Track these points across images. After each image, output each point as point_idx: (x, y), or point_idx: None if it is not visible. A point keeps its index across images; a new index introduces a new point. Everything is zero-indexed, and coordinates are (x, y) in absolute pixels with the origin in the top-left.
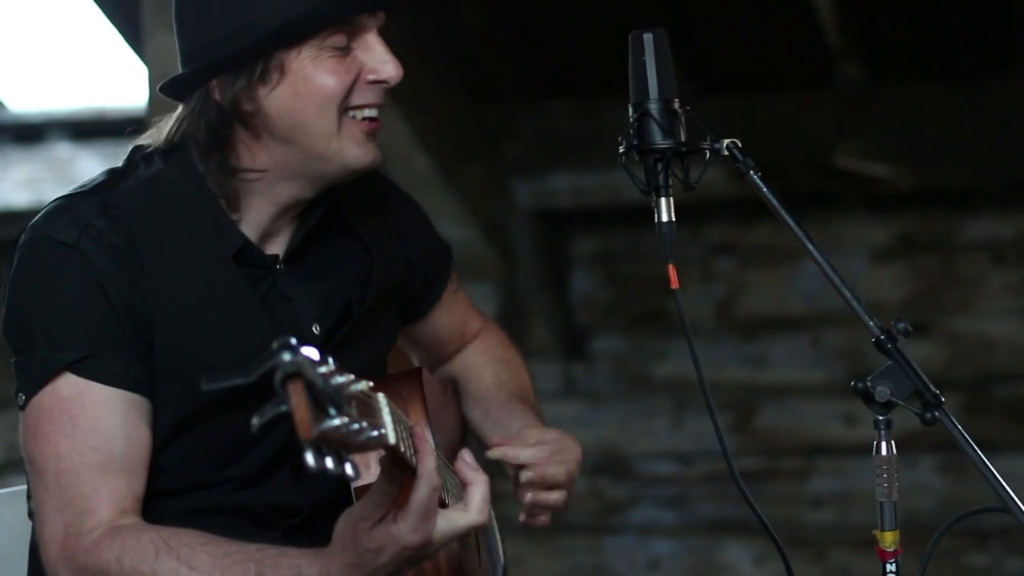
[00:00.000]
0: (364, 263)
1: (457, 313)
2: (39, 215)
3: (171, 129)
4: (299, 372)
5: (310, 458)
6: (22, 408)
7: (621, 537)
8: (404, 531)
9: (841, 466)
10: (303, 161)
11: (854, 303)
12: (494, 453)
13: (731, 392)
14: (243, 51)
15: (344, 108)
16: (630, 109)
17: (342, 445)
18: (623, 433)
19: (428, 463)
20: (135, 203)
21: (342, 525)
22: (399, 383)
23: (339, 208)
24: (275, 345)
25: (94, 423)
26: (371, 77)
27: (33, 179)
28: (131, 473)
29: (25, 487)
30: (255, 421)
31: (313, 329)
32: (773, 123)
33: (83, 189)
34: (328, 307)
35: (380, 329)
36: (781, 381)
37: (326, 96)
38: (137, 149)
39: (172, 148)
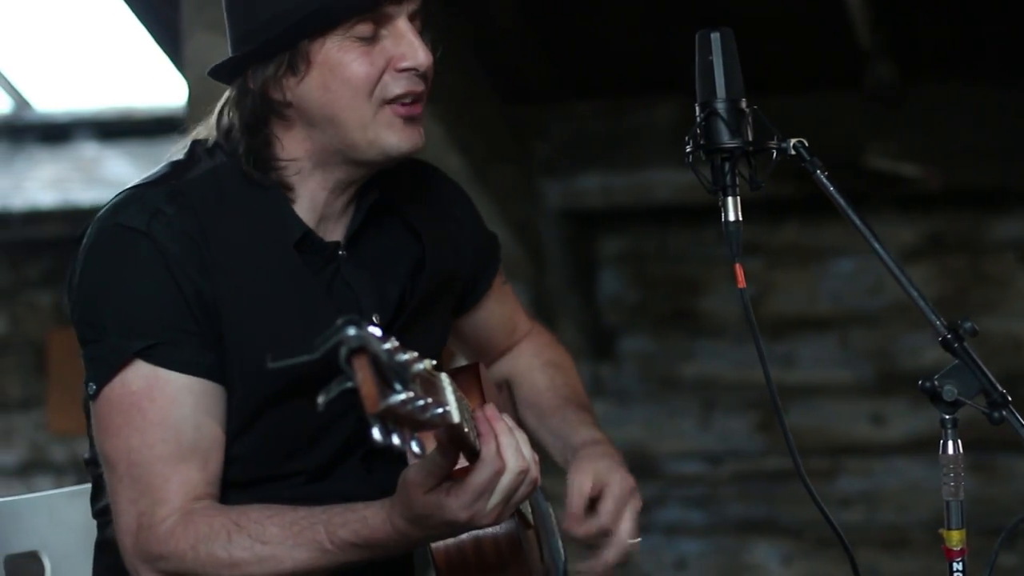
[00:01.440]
0: (416, 252)
1: (506, 307)
2: (105, 207)
3: (216, 118)
4: (364, 347)
5: (376, 433)
6: (92, 398)
7: (648, 537)
8: (456, 507)
9: (868, 466)
10: (340, 150)
11: (921, 302)
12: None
13: (758, 392)
14: (269, 42)
15: (380, 100)
16: (697, 109)
17: (407, 421)
18: (650, 433)
19: (492, 447)
20: (201, 193)
21: (399, 483)
22: (457, 378)
23: (392, 196)
24: (339, 321)
25: (163, 415)
26: (400, 64)
27: (59, 179)
28: (204, 459)
29: (89, 486)
30: (321, 399)
31: (373, 319)
32: (804, 123)
33: (148, 180)
34: (385, 298)
35: (434, 322)
36: (809, 381)
37: (355, 85)
38: (197, 143)
39: (228, 142)
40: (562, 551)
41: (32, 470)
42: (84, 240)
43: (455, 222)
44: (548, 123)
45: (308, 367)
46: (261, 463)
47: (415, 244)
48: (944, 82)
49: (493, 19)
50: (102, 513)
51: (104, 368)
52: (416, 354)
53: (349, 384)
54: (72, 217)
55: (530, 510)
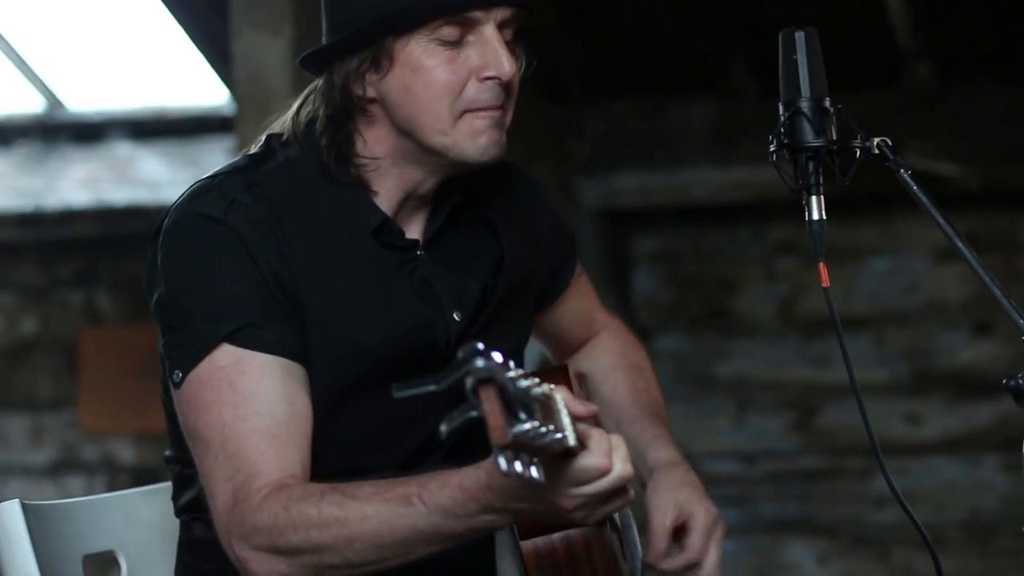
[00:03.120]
0: (495, 251)
1: (583, 302)
2: (180, 197)
3: (298, 108)
4: (492, 377)
5: (503, 462)
6: (178, 386)
7: None
8: (554, 494)
9: (904, 466)
10: (419, 151)
11: (1005, 301)
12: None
13: (794, 391)
14: (354, 35)
15: (461, 109)
16: (780, 107)
17: (528, 448)
18: (685, 432)
19: (602, 444)
20: (277, 183)
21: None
22: (547, 380)
23: (473, 194)
24: (464, 352)
25: (254, 388)
26: (483, 74)
27: (93, 178)
28: (299, 439)
29: (166, 485)
30: (443, 428)
31: (455, 316)
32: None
33: (224, 170)
34: (466, 296)
35: (516, 320)
36: (844, 381)
37: (436, 91)
38: (272, 136)
39: (307, 134)
40: (639, 547)
41: (63, 470)
42: (164, 231)
43: (534, 221)
44: (584, 122)
45: (388, 354)
46: (345, 456)
47: (495, 243)
48: (982, 82)
49: (531, 18)
50: (185, 510)
51: (192, 352)
52: (536, 379)
53: (473, 413)
54: (105, 217)
55: (616, 514)
